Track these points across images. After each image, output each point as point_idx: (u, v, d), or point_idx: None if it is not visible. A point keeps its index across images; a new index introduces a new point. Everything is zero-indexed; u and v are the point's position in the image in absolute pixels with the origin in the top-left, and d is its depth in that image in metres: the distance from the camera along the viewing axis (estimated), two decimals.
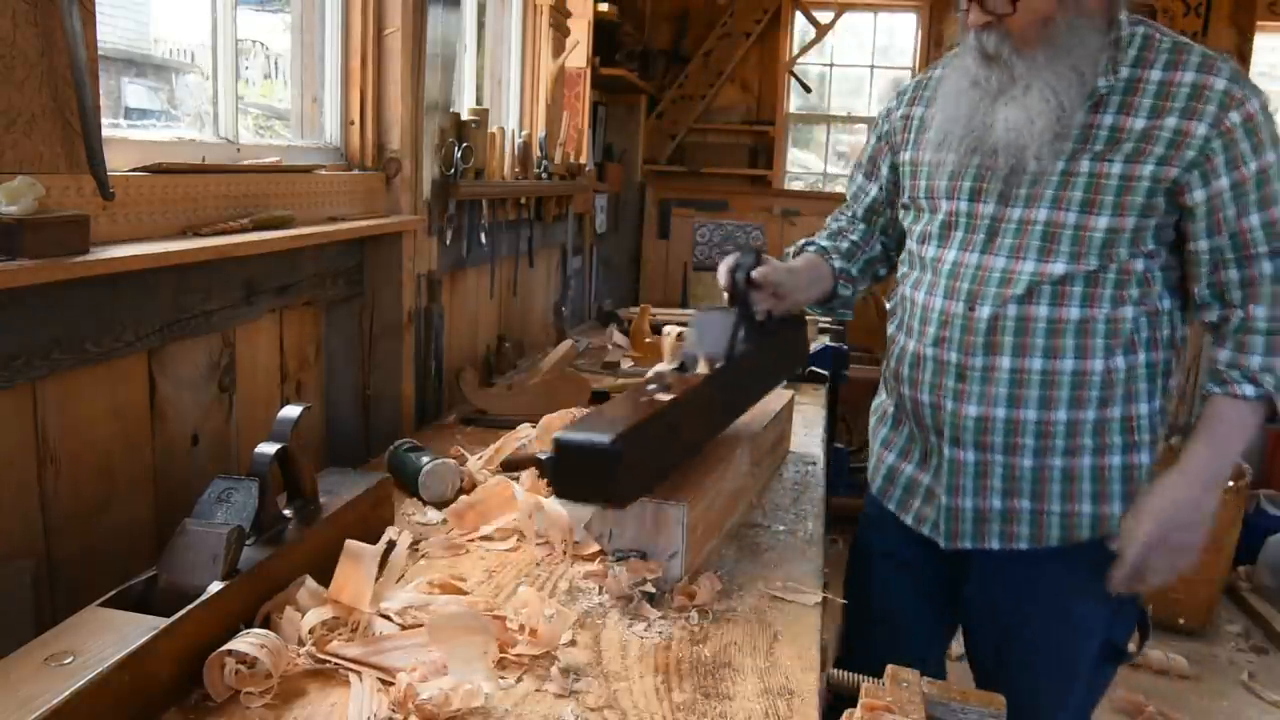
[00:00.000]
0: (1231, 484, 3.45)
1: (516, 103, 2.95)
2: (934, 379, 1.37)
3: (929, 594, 1.51)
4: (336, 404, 1.73)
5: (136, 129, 1.39)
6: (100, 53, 1.07)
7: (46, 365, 1.02)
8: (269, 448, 1.02)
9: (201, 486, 1.00)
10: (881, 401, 1.57)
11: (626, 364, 2.50)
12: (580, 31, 3.47)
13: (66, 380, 1.07)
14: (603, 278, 4.02)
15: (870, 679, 0.89)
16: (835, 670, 0.95)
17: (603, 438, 1.04)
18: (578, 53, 3.47)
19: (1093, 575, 1.30)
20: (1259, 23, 4.42)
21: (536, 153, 2.77)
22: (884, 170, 1.55)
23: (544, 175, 2.78)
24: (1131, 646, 1.40)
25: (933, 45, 4.75)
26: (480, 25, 2.68)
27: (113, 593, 0.88)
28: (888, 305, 1.57)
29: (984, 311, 1.31)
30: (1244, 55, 4.41)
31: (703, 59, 4.84)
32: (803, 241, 1.64)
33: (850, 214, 1.64)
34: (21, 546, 1.03)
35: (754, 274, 1.36)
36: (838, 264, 1.57)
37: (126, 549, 1.17)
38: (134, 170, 1.20)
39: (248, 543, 0.96)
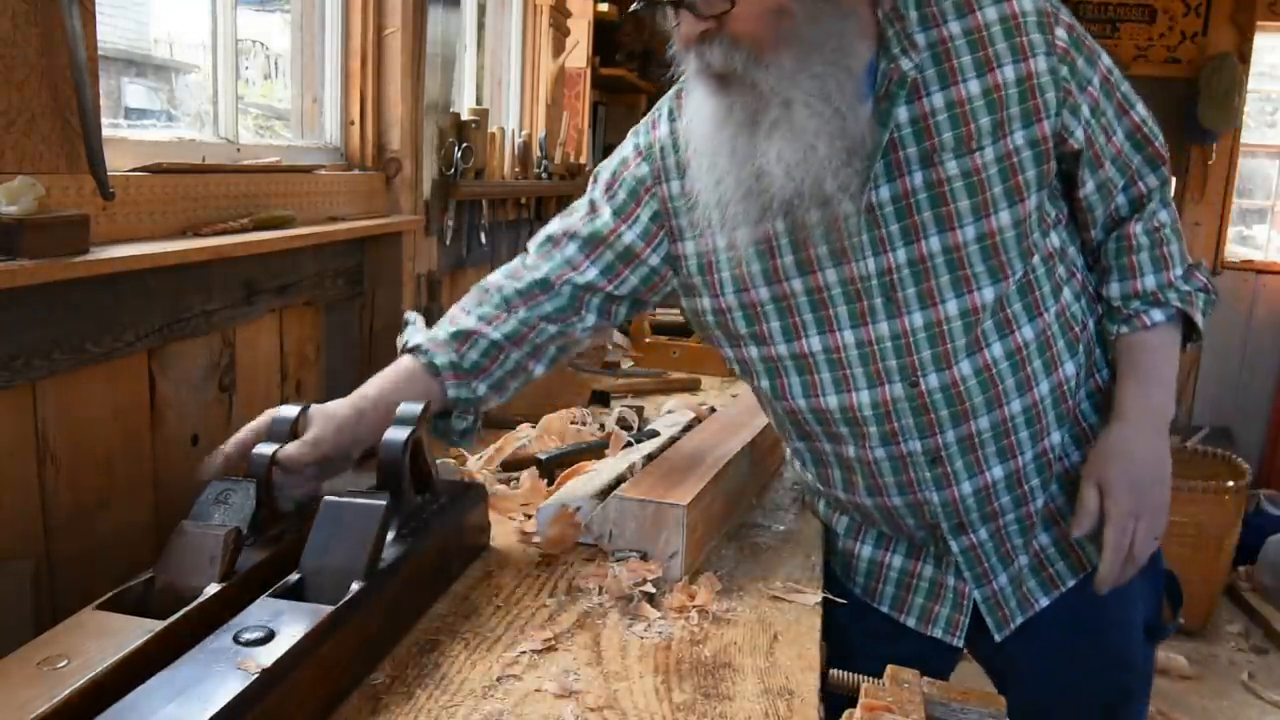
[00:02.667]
0: (1231, 484, 3.45)
1: (516, 103, 2.95)
2: (899, 477, 1.15)
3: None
4: None
5: (136, 129, 1.39)
6: (100, 53, 1.07)
7: (46, 365, 1.02)
8: (267, 448, 1.02)
9: (201, 487, 0.99)
10: (814, 485, 1.30)
11: (626, 364, 2.50)
12: (580, 31, 3.47)
13: (66, 380, 1.07)
14: None
15: (870, 679, 0.89)
16: (835, 670, 0.94)
17: None
18: (578, 53, 3.47)
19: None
20: (1259, 23, 4.42)
21: (536, 153, 2.77)
22: (653, 259, 1.18)
23: (544, 175, 2.78)
24: (1166, 619, 1.27)
25: None
26: (480, 25, 2.68)
27: (109, 595, 0.88)
28: (770, 421, 1.29)
29: (931, 382, 1.09)
30: (1244, 55, 4.41)
31: None
32: (412, 340, 1.18)
33: (518, 290, 1.19)
34: (21, 546, 1.03)
35: (281, 457, 0.99)
36: (454, 392, 1.16)
37: (126, 549, 1.17)
38: (134, 170, 1.20)
39: (246, 544, 0.96)
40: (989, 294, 1.07)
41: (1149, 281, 1.15)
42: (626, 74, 4.08)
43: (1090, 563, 1.20)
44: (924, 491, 1.15)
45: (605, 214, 1.19)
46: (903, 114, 1.04)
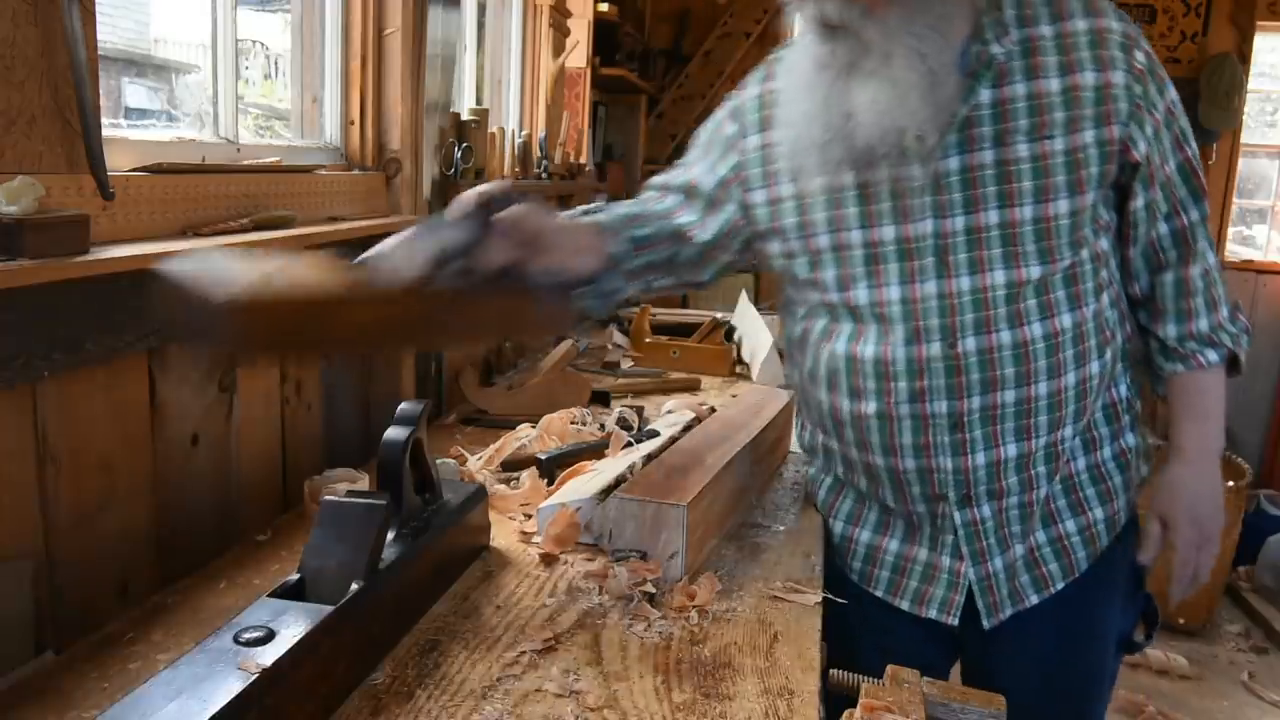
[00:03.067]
0: (1231, 484, 3.45)
1: (516, 103, 2.95)
2: (917, 439, 1.18)
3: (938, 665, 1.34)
4: (336, 404, 1.73)
5: (136, 129, 1.39)
6: (100, 53, 1.07)
7: (46, 365, 1.02)
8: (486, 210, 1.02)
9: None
10: (825, 445, 1.34)
11: (626, 364, 2.50)
12: (580, 31, 3.47)
13: (66, 380, 1.07)
14: None
15: (870, 679, 0.89)
16: (835, 670, 0.94)
17: None
18: (578, 53, 3.47)
19: (1109, 579, 1.27)
20: (1259, 23, 4.43)
21: (536, 153, 2.78)
22: (729, 206, 1.28)
23: (544, 175, 2.78)
24: (1139, 636, 1.34)
25: None
26: (480, 25, 2.68)
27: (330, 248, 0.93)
28: (792, 371, 1.34)
29: (969, 345, 1.14)
30: (1244, 55, 4.42)
31: (703, 59, 4.84)
32: (590, 206, 1.29)
33: (646, 209, 1.33)
34: (21, 546, 1.03)
35: (502, 215, 1.02)
36: (613, 248, 1.22)
37: (127, 549, 1.17)
38: (134, 170, 1.20)
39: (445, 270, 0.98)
40: (1035, 272, 1.13)
41: (1203, 323, 1.22)
42: (626, 74, 4.08)
43: (1079, 569, 1.25)
44: (939, 457, 1.18)
45: (698, 169, 1.32)
46: (985, 96, 1.11)
